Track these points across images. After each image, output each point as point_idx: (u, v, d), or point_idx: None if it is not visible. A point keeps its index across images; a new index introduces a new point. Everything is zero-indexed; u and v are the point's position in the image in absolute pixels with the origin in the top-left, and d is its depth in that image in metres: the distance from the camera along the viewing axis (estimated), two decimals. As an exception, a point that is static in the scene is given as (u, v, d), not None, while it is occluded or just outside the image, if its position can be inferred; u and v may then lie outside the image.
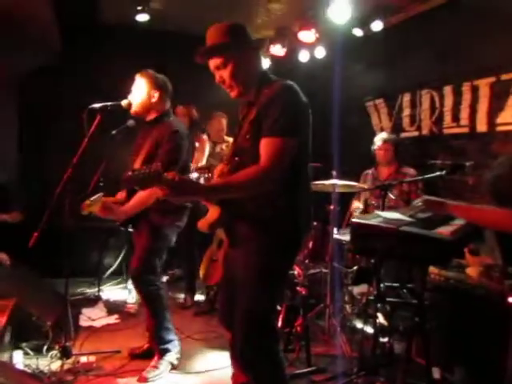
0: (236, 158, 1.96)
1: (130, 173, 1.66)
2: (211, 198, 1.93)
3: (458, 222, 2.08)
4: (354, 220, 1.93)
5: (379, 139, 3.96)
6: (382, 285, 2.34)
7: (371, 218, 1.96)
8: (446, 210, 1.96)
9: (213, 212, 1.93)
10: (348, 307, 3.51)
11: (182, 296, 4.27)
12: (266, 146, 1.81)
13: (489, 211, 1.93)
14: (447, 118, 4.16)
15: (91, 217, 2.90)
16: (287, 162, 1.82)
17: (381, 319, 3.25)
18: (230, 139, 4.76)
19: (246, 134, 1.92)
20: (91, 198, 2.62)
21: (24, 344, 2.94)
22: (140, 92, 2.83)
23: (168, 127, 2.81)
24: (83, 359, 2.93)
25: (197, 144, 4.32)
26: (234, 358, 2.35)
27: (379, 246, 1.74)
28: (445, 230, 1.79)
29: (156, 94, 2.83)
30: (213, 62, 1.96)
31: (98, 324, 3.60)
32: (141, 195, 2.69)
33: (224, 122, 4.72)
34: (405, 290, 3.04)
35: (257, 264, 1.88)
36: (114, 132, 3.30)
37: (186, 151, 2.84)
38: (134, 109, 2.84)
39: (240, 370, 2.30)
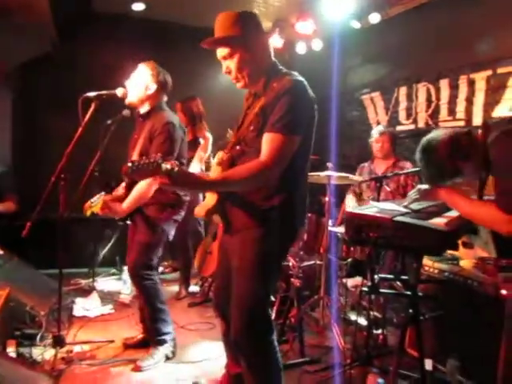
0: (237, 147, 1.95)
1: (129, 164, 1.65)
2: (210, 190, 1.92)
3: (453, 214, 2.08)
4: (348, 210, 1.93)
5: (376, 131, 3.95)
6: (376, 276, 2.34)
7: (366, 209, 1.96)
8: (439, 198, 1.96)
9: (210, 198, 1.93)
10: (342, 299, 3.52)
11: (176, 287, 4.26)
12: (268, 141, 1.80)
13: (472, 206, 1.87)
14: (443, 111, 4.17)
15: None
16: (288, 159, 1.83)
17: (374, 311, 3.27)
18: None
19: (250, 125, 1.91)
20: (92, 200, 2.65)
21: (17, 333, 2.92)
22: (138, 81, 2.81)
23: (161, 119, 2.77)
24: (77, 348, 2.93)
25: (201, 141, 4.20)
26: (227, 347, 2.36)
27: (373, 236, 1.74)
28: (439, 221, 1.79)
29: (153, 87, 2.81)
30: (220, 52, 1.93)
31: (92, 314, 3.59)
32: (139, 189, 2.68)
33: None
34: (399, 283, 3.06)
35: (252, 252, 1.88)
36: (108, 122, 3.28)
37: (180, 143, 2.82)
38: (129, 97, 2.81)
39: (233, 360, 2.32)
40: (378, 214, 1.82)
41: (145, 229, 2.81)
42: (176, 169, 1.67)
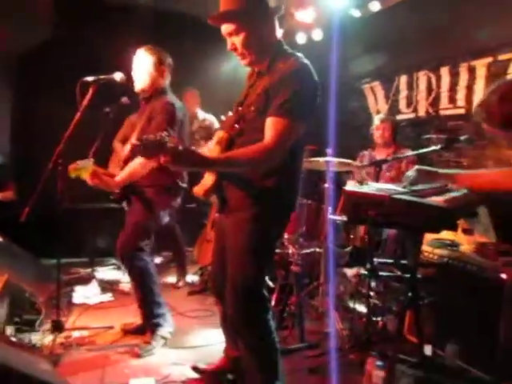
0: (236, 126, 1.94)
1: (136, 142, 1.64)
2: (212, 170, 1.90)
3: (452, 194, 2.07)
4: (345, 188, 1.92)
5: (378, 119, 3.97)
6: (375, 259, 2.33)
7: (364, 188, 1.95)
8: (438, 178, 1.96)
9: (208, 178, 1.93)
10: (342, 287, 3.51)
11: (174, 278, 4.26)
12: (273, 125, 1.78)
13: (484, 173, 1.93)
14: (444, 99, 4.14)
15: (85, 191, 2.88)
16: (291, 143, 1.82)
17: (374, 298, 3.27)
18: (207, 116, 4.75)
19: (252, 104, 1.89)
20: (78, 162, 2.57)
21: (16, 319, 2.93)
22: (142, 67, 2.79)
23: (161, 100, 2.76)
24: (76, 334, 2.93)
25: None
26: (226, 331, 2.36)
27: (371, 214, 1.73)
28: (438, 199, 1.78)
29: (157, 71, 2.79)
30: (225, 28, 1.89)
31: (91, 302, 3.59)
32: (135, 164, 2.65)
33: (198, 97, 4.72)
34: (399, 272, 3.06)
35: (247, 232, 1.88)
36: (107, 109, 3.28)
37: (180, 125, 2.79)
38: (136, 85, 2.80)
39: (232, 344, 2.32)
40: (376, 192, 1.81)
41: (140, 210, 2.79)
42: (180, 147, 1.66)
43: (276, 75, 1.83)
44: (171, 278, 4.29)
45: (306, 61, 1.88)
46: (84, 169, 2.55)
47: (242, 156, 1.80)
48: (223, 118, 2.02)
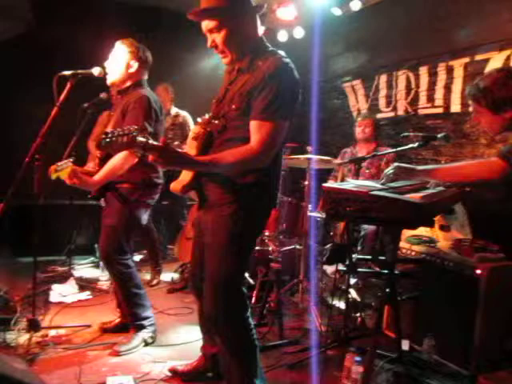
0: (216, 122, 1.91)
1: (102, 135, 1.61)
2: (198, 170, 1.88)
3: (429, 191, 2.10)
4: (325, 185, 1.93)
5: (361, 116, 4.03)
6: (354, 255, 2.35)
7: (343, 184, 1.97)
8: (416, 175, 1.99)
9: (186, 174, 1.91)
10: (321, 284, 3.54)
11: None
12: (259, 128, 1.78)
13: (460, 165, 1.99)
14: (422, 98, 4.21)
15: (62, 188, 2.83)
16: (279, 144, 1.83)
17: (353, 294, 3.30)
18: (181, 112, 4.70)
19: (233, 103, 1.87)
20: (58, 163, 2.53)
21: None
22: (118, 60, 2.72)
23: (136, 94, 2.68)
24: (52, 333, 2.88)
25: None
26: (203, 328, 2.35)
27: (350, 210, 1.74)
28: (415, 195, 1.80)
29: (135, 65, 2.72)
30: (206, 25, 1.86)
31: (68, 300, 3.53)
32: (113, 162, 2.59)
33: (171, 92, 4.63)
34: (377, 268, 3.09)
35: (224, 228, 1.87)
36: (85, 105, 3.22)
37: (157, 121, 2.73)
38: (110, 77, 2.73)
39: (209, 341, 2.31)
40: (354, 189, 1.82)
41: (115, 210, 2.73)
42: (150, 141, 1.64)
43: (257, 75, 1.82)
44: (147, 276, 4.24)
45: (287, 59, 1.87)
46: (64, 170, 2.51)
47: (228, 158, 1.78)
48: (199, 120, 1.99)
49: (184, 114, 4.68)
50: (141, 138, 1.62)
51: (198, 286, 2.08)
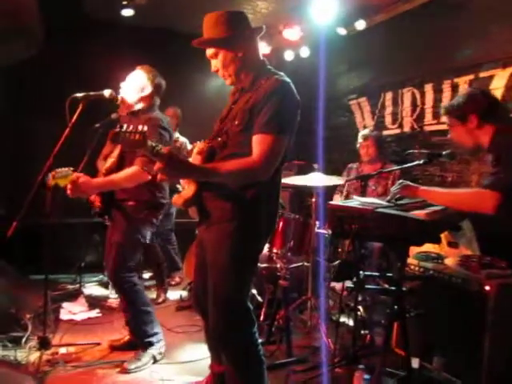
0: (219, 139, 1.98)
1: (118, 129, 1.67)
2: (201, 179, 1.93)
3: (434, 208, 2.11)
4: (330, 202, 1.96)
5: (361, 136, 4.03)
6: (361, 272, 2.35)
7: (348, 202, 1.99)
8: (418, 194, 2.01)
9: (189, 189, 1.94)
10: (330, 301, 3.53)
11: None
12: (260, 142, 1.84)
13: (455, 193, 2.00)
14: (428, 115, 4.23)
15: (72, 206, 2.87)
16: (280, 158, 1.88)
17: (361, 312, 3.29)
18: (181, 137, 4.74)
19: (236, 119, 1.94)
20: (58, 170, 2.57)
21: (1, 336, 2.89)
22: (134, 83, 2.83)
23: (149, 118, 2.75)
24: (62, 350, 2.91)
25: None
26: (210, 346, 2.35)
27: (355, 228, 1.76)
28: (420, 212, 1.82)
29: (148, 89, 2.83)
30: (208, 52, 2.00)
31: (78, 318, 3.56)
32: (124, 173, 2.64)
33: (178, 117, 4.71)
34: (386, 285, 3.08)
35: (228, 246, 1.90)
36: (97, 125, 3.29)
37: (166, 142, 2.79)
38: (123, 93, 2.81)
39: (217, 359, 2.31)
40: (359, 206, 1.84)
41: (122, 228, 2.77)
42: (159, 146, 1.70)
43: (259, 92, 1.89)
44: (153, 294, 4.25)
45: (288, 79, 1.95)
46: (63, 177, 2.55)
47: (230, 167, 1.83)
48: (198, 143, 2.05)
49: (183, 139, 4.75)
50: (151, 142, 1.68)
51: (202, 303, 2.09)
